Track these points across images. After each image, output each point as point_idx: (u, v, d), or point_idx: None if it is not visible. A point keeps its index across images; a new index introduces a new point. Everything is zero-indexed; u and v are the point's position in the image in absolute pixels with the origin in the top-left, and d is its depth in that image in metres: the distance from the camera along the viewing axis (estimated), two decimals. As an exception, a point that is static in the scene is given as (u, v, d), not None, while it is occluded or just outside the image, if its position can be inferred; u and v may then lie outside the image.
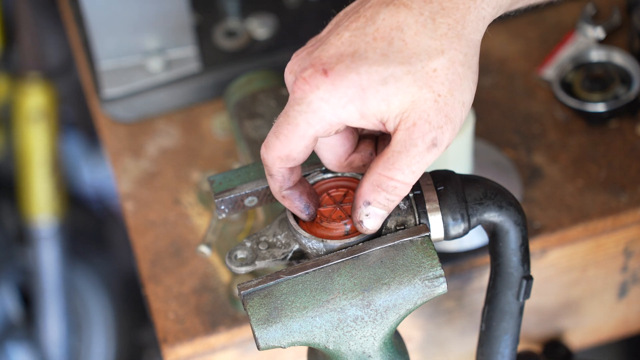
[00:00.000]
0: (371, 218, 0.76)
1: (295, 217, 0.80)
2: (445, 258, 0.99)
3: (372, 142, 0.80)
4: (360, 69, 0.72)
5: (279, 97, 0.99)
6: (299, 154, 0.75)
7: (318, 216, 0.79)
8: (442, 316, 1.04)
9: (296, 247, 0.79)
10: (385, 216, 0.77)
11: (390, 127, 0.73)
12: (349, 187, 0.80)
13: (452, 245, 0.99)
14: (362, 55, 0.72)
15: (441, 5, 0.73)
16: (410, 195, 0.79)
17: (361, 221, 0.76)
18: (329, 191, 0.81)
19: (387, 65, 0.72)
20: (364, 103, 0.72)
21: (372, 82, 0.72)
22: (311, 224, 0.79)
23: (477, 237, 0.98)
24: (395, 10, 0.72)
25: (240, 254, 0.80)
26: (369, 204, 0.76)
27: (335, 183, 0.81)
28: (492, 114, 1.10)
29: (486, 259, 0.99)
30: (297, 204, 0.78)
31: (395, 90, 0.72)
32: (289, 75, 0.76)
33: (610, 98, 1.07)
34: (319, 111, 0.73)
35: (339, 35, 0.74)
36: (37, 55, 1.59)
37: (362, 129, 0.80)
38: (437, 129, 0.73)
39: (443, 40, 0.72)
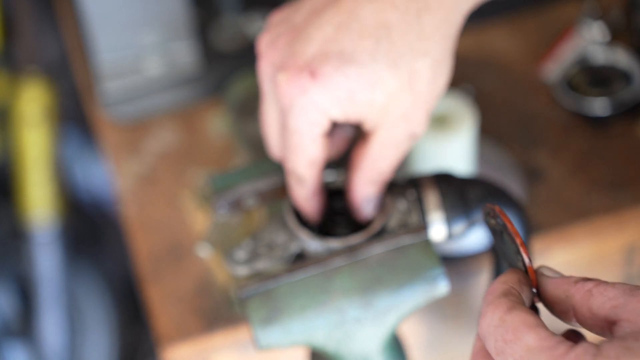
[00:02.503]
0: (370, 206, 0.78)
1: (296, 217, 0.80)
2: (446, 259, 0.99)
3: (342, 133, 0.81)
4: (348, 71, 0.71)
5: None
6: (320, 154, 0.75)
7: None
8: (443, 317, 1.04)
9: (296, 247, 0.79)
10: (378, 199, 0.79)
11: (368, 126, 0.74)
12: None
13: (453, 249, 0.99)
14: (349, 56, 0.71)
15: (426, 3, 0.71)
16: (411, 196, 0.79)
17: (364, 214, 0.78)
18: None
19: (375, 67, 0.71)
20: (350, 104, 0.72)
21: (361, 85, 0.71)
22: None
23: (479, 241, 0.98)
24: (381, 7, 0.71)
25: (240, 254, 0.79)
26: (365, 198, 0.77)
27: None
28: (494, 114, 1.10)
29: (487, 260, 0.99)
30: (319, 207, 0.79)
31: (381, 93, 0.72)
32: (266, 66, 0.74)
33: (613, 99, 1.07)
34: (313, 111, 0.72)
35: (321, 30, 0.72)
36: (37, 51, 1.59)
37: None
38: (415, 124, 0.74)
39: (428, 42, 0.72)
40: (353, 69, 0.71)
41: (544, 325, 0.56)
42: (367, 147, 0.75)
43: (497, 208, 0.63)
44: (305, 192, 0.78)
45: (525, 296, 0.60)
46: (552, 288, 0.60)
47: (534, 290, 0.61)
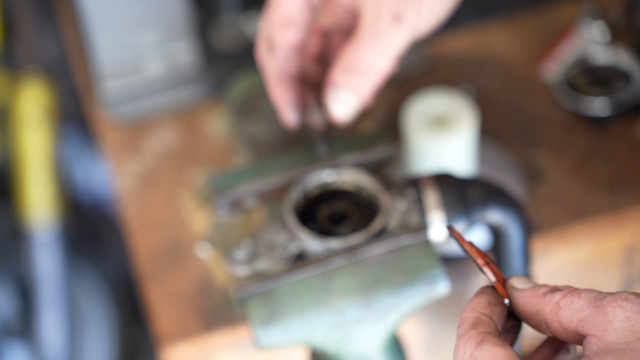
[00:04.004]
0: (341, 103, 0.74)
1: (296, 217, 0.79)
2: (446, 259, 0.99)
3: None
4: None
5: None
6: (296, 14, 0.73)
7: None
8: (443, 317, 1.04)
9: (296, 247, 0.79)
10: (356, 105, 0.74)
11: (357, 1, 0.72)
12: None
13: (453, 249, 0.99)
14: None
15: None
16: (411, 196, 0.79)
17: (331, 107, 0.75)
18: None
19: None
20: None
21: None
22: None
23: (479, 241, 0.98)
24: None
25: (240, 254, 0.79)
26: (338, 87, 0.74)
27: None
28: (494, 114, 1.10)
29: (487, 259, 0.99)
30: (289, 96, 0.76)
31: None
32: None
33: (613, 99, 1.07)
34: None
35: None
36: (37, 51, 1.59)
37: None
38: (400, 3, 0.71)
39: None
40: None
41: (513, 356, 0.55)
42: (352, 35, 0.72)
43: (454, 232, 0.62)
44: (275, 64, 0.75)
45: (498, 316, 0.59)
46: (523, 303, 0.59)
47: (507, 302, 0.60)
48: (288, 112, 0.77)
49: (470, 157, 0.98)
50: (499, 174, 1.02)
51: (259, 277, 0.77)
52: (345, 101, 0.74)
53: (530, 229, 0.83)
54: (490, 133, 1.08)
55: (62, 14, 1.33)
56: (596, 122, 1.08)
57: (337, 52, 0.76)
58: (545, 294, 0.58)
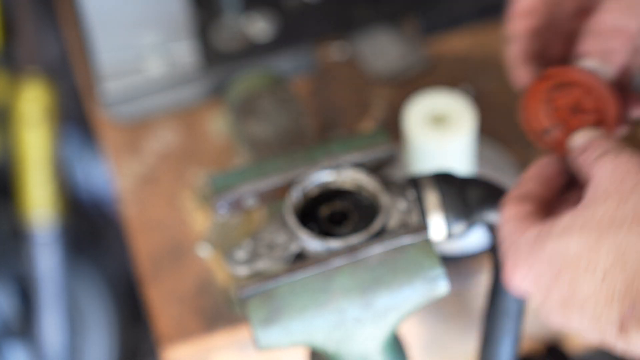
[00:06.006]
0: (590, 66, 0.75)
1: (296, 217, 0.79)
2: (447, 260, 0.99)
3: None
4: None
5: (279, 97, 0.99)
6: (533, 6, 0.76)
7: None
8: (443, 317, 1.04)
9: (296, 247, 0.79)
10: (608, 71, 0.74)
11: None
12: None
13: (453, 249, 0.99)
14: None
15: None
16: (411, 196, 0.79)
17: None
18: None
19: None
20: None
21: None
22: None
23: (479, 241, 0.98)
24: None
25: (240, 254, 0.79)
26: (585, 56, 0.74)
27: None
28: (493, 114, 1.10)
29: (488, 260, 0.99)
30: (524, 75, 0.77)
31: None
32: None
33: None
34: None
35: None
36: (37, 51, 1.59)
37: None
38: None
39: None
40: None
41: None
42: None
43: None
44: (511, 51, 0.77)
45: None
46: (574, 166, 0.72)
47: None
48: (520, 85, 0.77)
49: (470, 157, 0.98)
50: (499, 174, 1.02)
51: (259, 277, 0.77)
52: (594, 66, 0.73)
53: (530, 229, 0.83)
54: (490, 133, 1.08)
55: (62, 14, 1.33)
56: (596, 122, 1.08)
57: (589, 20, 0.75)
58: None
